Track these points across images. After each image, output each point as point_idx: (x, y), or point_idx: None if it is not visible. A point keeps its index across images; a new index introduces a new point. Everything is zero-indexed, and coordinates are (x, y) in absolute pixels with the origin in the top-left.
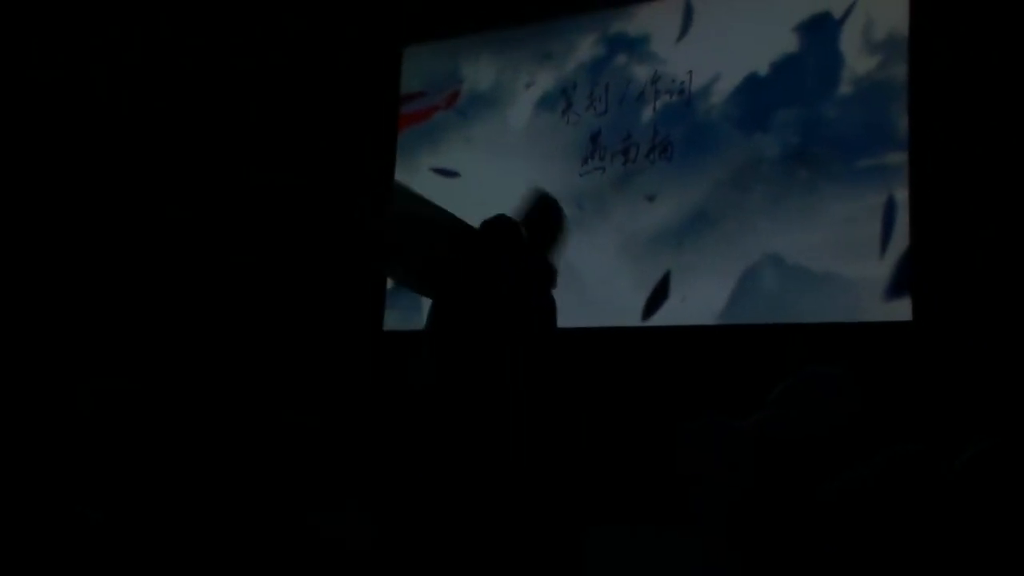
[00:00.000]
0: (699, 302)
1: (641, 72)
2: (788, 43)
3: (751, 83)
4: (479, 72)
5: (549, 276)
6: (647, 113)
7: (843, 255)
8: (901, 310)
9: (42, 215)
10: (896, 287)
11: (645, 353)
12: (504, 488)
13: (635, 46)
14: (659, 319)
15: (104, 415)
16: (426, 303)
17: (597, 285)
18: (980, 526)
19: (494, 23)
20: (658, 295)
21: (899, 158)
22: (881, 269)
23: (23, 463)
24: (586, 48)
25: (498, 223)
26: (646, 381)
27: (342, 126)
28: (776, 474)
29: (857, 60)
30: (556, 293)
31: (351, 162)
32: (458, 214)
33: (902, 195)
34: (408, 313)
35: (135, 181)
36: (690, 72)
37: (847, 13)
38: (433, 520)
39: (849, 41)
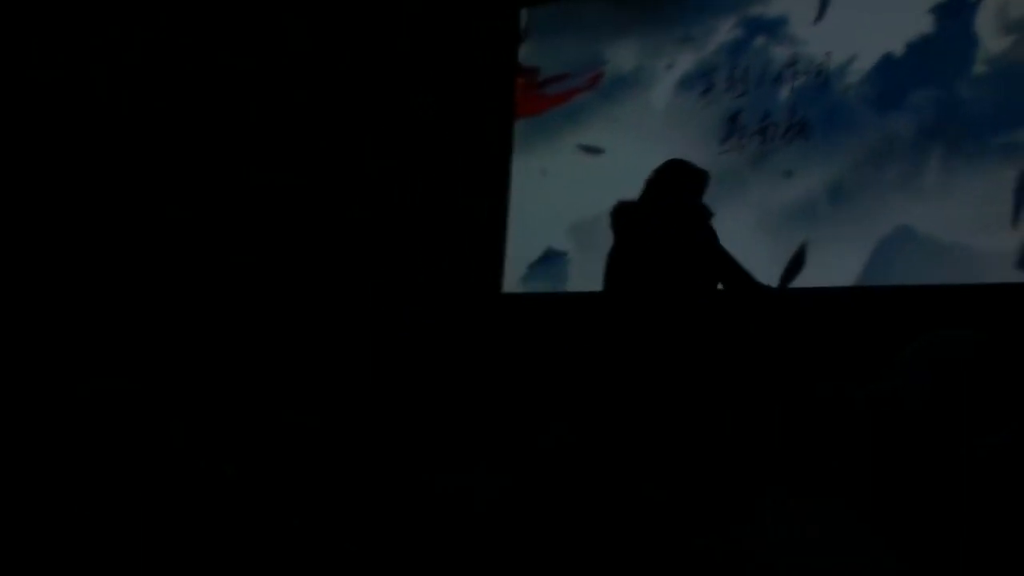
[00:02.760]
0: (834, 272)
1: (779, 54)
2: (924, 24)
3: (887, 64)
4: (621, 55)
5: (704, 216)
6: (785, 94)
7: (974, 227)
8: None
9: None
10: None
11: (770, 315)
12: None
13: (773, 28)
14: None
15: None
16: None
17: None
18: None
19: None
20: (795, 265)
21: None
22: (1012, 241)
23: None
24: (725, 31)
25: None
26: (770, 344)
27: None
28: (903, 439)
29: (992, 40)
30: None
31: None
32: (603, 188)
33: None
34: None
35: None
36: (827, 53)
37: None
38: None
39: (984, 22)
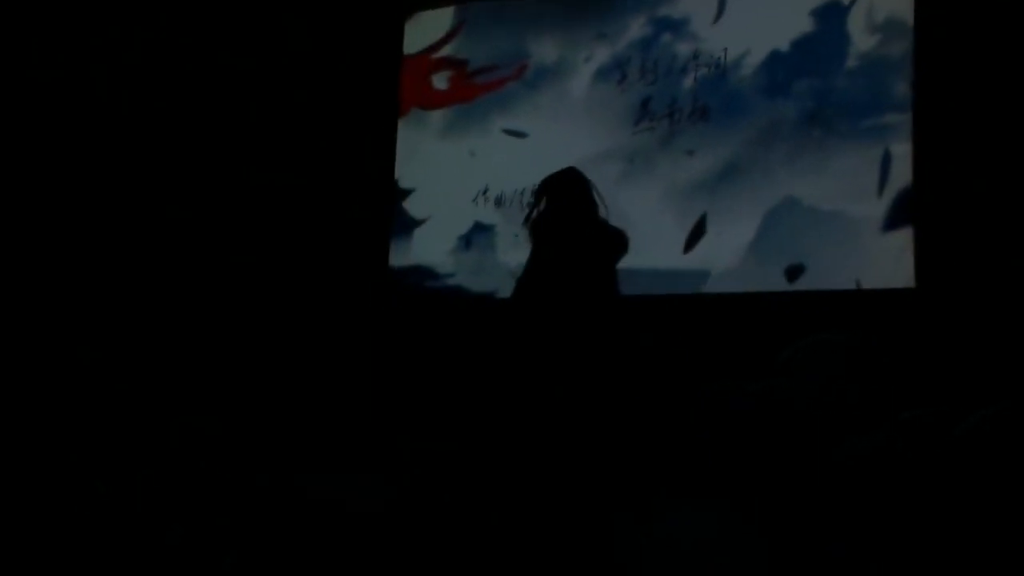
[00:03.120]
0: (731, 237)
1: (683, 49)
2: (805, 25)
3: (775, 58)
4: (544, 48)
5: (620, 239)
6: (689, 83)
7: (848, 197)
8: (898, 240)
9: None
10: (891, 223)
11: (651, 321)
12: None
13: (678, 27)
14: (696, 254)
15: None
16: None
17: (645, 226)
18: (983, 493)
19: None
20: (696, 232)
21: (894, 118)
22: (879, 208)
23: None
24: (636, 28)
25: (566, 175)
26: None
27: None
28: (783, 441)
29: (861, 39)
30: None
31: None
32: (527, 168)
33: (896, 148)
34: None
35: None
36: (725, 49)
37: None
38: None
39: (855, 23)
